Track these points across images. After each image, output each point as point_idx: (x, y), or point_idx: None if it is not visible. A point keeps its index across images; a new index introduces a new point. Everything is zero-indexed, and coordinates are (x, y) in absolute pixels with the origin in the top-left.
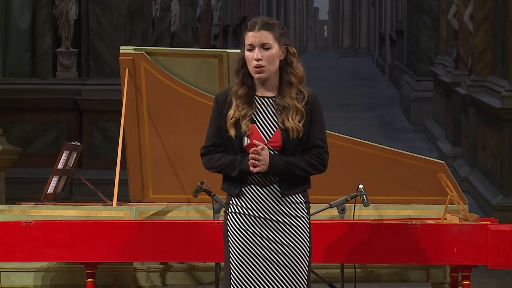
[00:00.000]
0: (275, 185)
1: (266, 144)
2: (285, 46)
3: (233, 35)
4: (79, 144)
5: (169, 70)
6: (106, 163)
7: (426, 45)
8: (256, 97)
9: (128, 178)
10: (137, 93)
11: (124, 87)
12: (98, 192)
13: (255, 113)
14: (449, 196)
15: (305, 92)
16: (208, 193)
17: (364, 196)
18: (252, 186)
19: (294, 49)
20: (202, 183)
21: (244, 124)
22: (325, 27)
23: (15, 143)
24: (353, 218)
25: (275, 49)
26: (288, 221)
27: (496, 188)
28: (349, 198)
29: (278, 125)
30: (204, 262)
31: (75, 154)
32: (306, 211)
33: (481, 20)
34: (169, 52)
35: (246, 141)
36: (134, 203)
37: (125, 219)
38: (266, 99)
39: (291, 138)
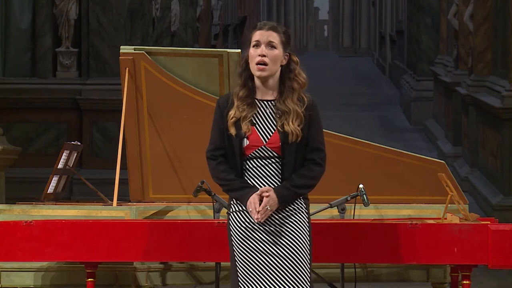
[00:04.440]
0: None
1: (264, 146)
2: (287, 54)
3: (233, 34)
4: (79, 143)
5: (169, 70)
6: (106, 162)
7: (426, 44)
8: (256, 100)
9: (128, 178)
10: (137, 93)
11: (124, 87)
12: (98, 192)
13: (254, 115)
14: (449, 196)
15: (305, 98)
16: (208, 192)
17: (364, 196)
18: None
19: (297, 58)
20: (203, 182)
21: (245, 125)
22: (325, 26)
23: (15, 142)
24: (353, 218)
25: (280, 51)
26: (287, 214)
27: (496, 188)
28: (349, 198)
29: (277, 128)
30: (204, 262)
31: (75, 154)
32: (304, 205)
33: (481, 20)
34: (170, 52)
35: (246, 142)
36: (134, 203)
37: (125, 219)
38: (265, 102)
39: (290, 142)
